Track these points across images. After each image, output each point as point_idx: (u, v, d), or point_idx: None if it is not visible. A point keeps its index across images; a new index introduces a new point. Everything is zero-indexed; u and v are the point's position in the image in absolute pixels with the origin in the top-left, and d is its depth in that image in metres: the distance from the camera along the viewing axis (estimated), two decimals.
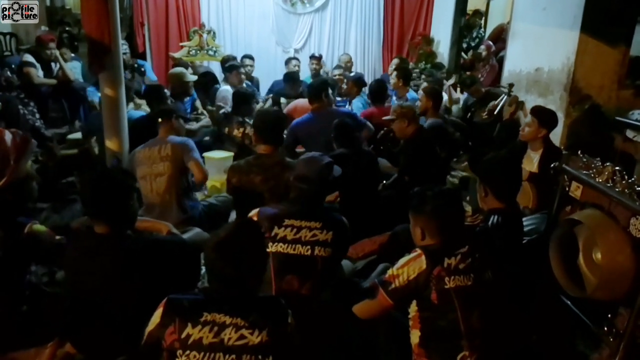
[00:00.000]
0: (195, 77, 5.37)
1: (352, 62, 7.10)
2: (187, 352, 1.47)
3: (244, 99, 4.40)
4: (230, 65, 5.48)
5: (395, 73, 5.41)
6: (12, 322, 2.05)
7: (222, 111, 4.55)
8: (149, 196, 3.04)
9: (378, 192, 3.52)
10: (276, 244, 2.08)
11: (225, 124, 4.35)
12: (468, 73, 6.52)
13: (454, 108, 5.70)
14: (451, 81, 6.40)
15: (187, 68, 5.99)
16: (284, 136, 3.99)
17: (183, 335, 1.48)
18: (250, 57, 6.37)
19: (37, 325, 2.05)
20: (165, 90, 4.56)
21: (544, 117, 3.34)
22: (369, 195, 3.32)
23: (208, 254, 1.59)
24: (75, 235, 2.21)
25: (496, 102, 4.78)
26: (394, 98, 5.32)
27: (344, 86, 5.92)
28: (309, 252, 2.08)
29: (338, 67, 6.66)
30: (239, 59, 6.21)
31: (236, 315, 1.50)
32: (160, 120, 3.18)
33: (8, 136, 2.20)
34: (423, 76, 6.05)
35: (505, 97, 4.72)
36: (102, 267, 1.86)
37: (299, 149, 4.00)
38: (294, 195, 2.23)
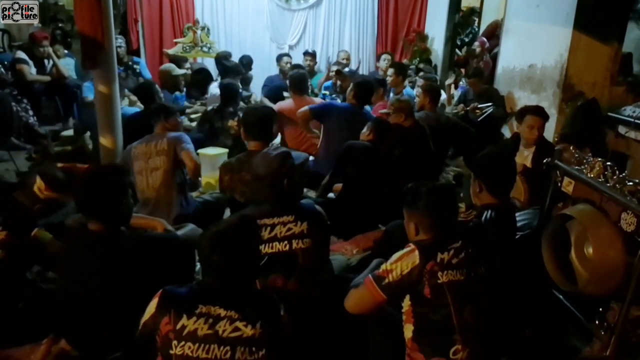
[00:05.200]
0: (182, 71, 5.40)
1: (350, 59, 7.09)
2: (182, 342, 1.48)
3: (232, 91, 4.45)
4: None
5: (392, 70, 5.38)
6: (8, 319, 2.05)
7: (210, 107, 4.56)
8: (145, 191, 3.04)
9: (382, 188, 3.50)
10: None
11: (217, 118, 4.35)
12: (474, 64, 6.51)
13: (448, 107, 5.72)
14: (450, 80, 6.41)
15: (184, 63, 6.00)
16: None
17: (178, 327, 1.49)
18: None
19: (33, 322, 2.05)
20: (157, 87, 4.54)
21: (544, 113, 3.34)
22: (373, 191, 3.29)
23: (204, 249, 1.60)
24: (69, 233, 2.21)
25: (481, 106, 4.79)
26: (391, 94, 5.32)
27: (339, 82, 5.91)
28: (287, 247, 2.07)
29: (337, 63, 6.68)
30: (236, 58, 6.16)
31: (231, 308, 1.52)
32: (156, 117, 3.18)
33: None
34: (422, 73, 6.02)
35: (492, 109, 4.75)
36: (96, 264, 1.86)
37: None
38: (260, 197, 2.22)
